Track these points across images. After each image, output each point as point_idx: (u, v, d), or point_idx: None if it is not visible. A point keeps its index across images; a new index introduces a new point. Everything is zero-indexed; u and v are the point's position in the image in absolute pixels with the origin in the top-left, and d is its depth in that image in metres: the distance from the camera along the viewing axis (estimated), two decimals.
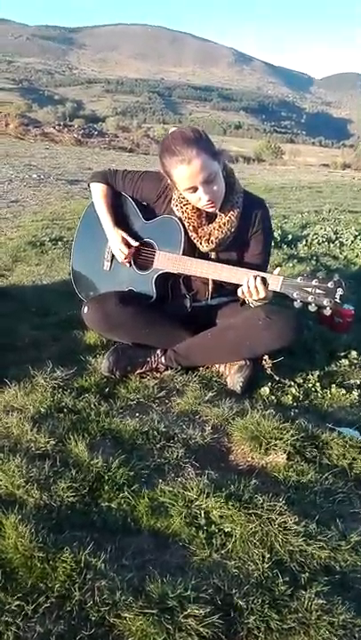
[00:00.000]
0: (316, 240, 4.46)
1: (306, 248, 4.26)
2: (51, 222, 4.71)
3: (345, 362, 2.18)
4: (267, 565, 1.19)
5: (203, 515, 1.32)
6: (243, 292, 1.85)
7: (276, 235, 4.40)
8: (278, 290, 1.79)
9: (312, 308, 1.73)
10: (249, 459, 1.60)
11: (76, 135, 23.06)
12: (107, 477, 1.42)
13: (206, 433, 1.67)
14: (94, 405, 1.75)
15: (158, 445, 1.58)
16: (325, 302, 1.70)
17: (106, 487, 1.39)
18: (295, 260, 3.77)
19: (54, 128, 24.00)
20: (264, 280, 1.81)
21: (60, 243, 3.95)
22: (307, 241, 4.43)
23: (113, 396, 1.84)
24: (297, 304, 1.74)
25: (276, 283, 1.79)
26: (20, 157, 10.28)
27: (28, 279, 3.12)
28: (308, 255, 4.02)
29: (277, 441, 1.61)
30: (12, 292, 2.88)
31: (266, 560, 1.20)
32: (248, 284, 1.81)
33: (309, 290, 1.73)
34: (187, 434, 1.65)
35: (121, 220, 2.18)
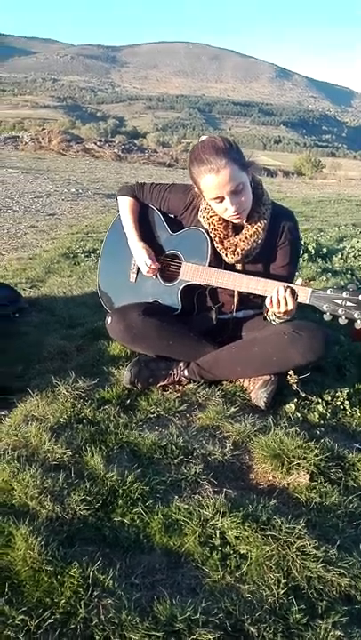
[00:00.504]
0: (353, 253, 4.35)
1: (341, 261, 4.16)
2: (85, 235, 4.78)
3: None
4: (282, 591, 1.13)
5: (218, 535, 1.27)
6: (271, 302, 1.80)
7: (310, 248, 4.32)
8: (307, 302, 1.74)
9: (342, 321, 1.67)
10: (270, 477, 1.55)
11: (116, 151, 23.50)
12: (121, 491, 1.39)
13: (227, 449, 1.62)
14: (114, 417, 1.73)
15: (176, 461, 1.55)
16: (356, 315, 1.64)
17: (120, 501, 1.37)
18: (329, 274, 3.69)
19: (95, 144, 24.53)
20: (293, 291, 1.76)
21: (92, 255, 4.00)
22: (342, 254, 4.33)
23: (133, 409, 1.82)
24: (326, 317, 1.69)
25: (304, 295, 1.75)
26: (61, 172, 10.55)
27: (59, 290, 3.16)
28: (343, 269, 3.92)
29: (301, 460, 1.55)
30: (42, 302, 2.92)
31: (281, 585, 1.15)
32: (278, 294, 1.77)
33: (339, 302, 1.68)
34: (206, 449, 1.61)
35: (148, 232, 2.18)
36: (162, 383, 1.96)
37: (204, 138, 1.93)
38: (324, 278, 3.56)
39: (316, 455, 1.56)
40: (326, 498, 1.44)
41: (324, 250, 4.39)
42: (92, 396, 1.86)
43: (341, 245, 4.73)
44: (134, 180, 2.64)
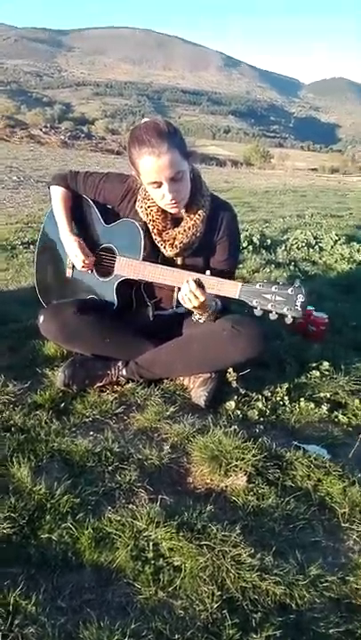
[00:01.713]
0: (296, 245, 4.38)
1: (285, 253, 4.18)
2: (25, 225, 4.59)
3: (316, 373, 2.09)
4: (216, 605, 1.09)
5: (151, 547, 1.21)
6: (182, 298, 1.74)
7: (255, 239, 4.32)
8: (237, 297, 1.69)
9: (273, 316, 1.63)
10: (208, 481, 1.50)
11: (62, 137, 22.90)
12: (49, 505, 1.31)
13: (164, 452, 1.57)
14: (45, 423, 1.64)
15: (110, 468, 1.48)
16: (285, 310, 1.60)
17: (47, 517, 1.28)
18: (273, 266, 3.69)
19: (41, 130, 23.80)
20: (200, 283, 1.70)
21: (32, 247, 3.83)
22: (286, 246, 4.35)
23: (67, 413, 1.73)
24: (257, 312, 1.64)
25: (234, 290, 1.69)
26: (2, 159, 10.13)
27: None
28: (287, 260, 3.94)
29: (238, 461, 1.51)
30: None
31: (215, 598, 1.10)
32: (183, 290, 1.70)
33: (269, 297, 1.63)
34: (143, 454, 1.55)
35: (82, 224, 2.08)
36: (99, 384, 1.88)
37: (146, 119, 1.84)
38: (268, 270, 3.56)
39: (254, 455, 1.53)
40: (263, 500, 1.41)
41: (269, 241, 4.40)
42: (23, 401, 1.75)
43: (286, 237, 4.76)
44: (79, 168, 2.50)
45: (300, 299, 1.59)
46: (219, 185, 10.09)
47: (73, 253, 2.00)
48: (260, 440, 1.61)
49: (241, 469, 1.49)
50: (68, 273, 2.15)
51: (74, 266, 2.08)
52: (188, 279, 1.69)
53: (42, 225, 2.30)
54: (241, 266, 3.65)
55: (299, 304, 1.59)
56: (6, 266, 3.37)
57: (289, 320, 1.61)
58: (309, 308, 2.54)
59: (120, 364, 1.91)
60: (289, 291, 1.60)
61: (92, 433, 1.63)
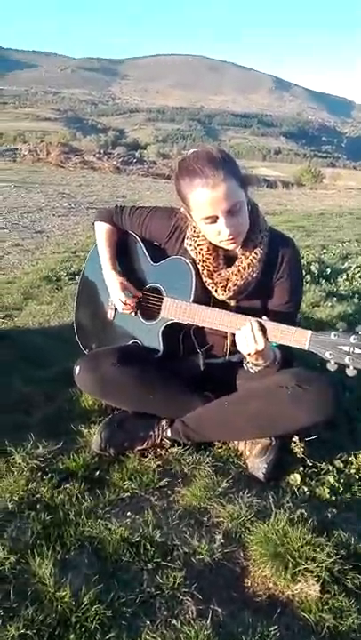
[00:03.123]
0: (359, 274, 4.03)
1: (347, 283, 3.84)
2: (72, 254, 4.47)
3: None
4: None
5: None
6: (239, 340, 1.48)
7: (313, 268, 4.01)
8: (306, 348, 1.41)
9: (351, 372, 1.34)
10: (270, 585, 1.21)
11: (115, 163, 23.32)
12: (74, 620, 1.06)
13: (216, 545, 1.29)
14: (76, 499, 1.39)
15: (150, 565, 1.21)
16: None
17: (71, 635, 1.03)
18: (334, 299, 3.36)
19: (94, 156, 24.37)
20: (263, 327, 1.43)
21: (77, 277, 3.68)
22: (348, 275, 4.01)
23: (103, 485, 1.48)
24: (331, 366, 1.35)
25: (302, 339, 1.41)
26: (56, 185, 10.28)
27: (35, 320, 2.84)
28: (350, 292, 3.60)
29: (309, 562, 1.21)
30: (12, 335, 2.60)
31: None
32: (248, 327, 1.45)
33: (346, 349, 1.34)
34: (190, 546, 1.28)
35: (128, 263, 1.88)
36: (140, 447, 1.63)
37: (195, 149, 1.61)
38: (330, 304, 3.24)
39: (329, 555, 1.22)
40: (343, 618, 1.11)
41: (328, 270, 4.07)
42: (54, 467, 1.52)
43: (346, 264, 4.42)
44: (132, 194, 2.29)
45: None
46: (271, 207, 9.81)
47: (114, 293, 1.79)
48: (335, 533, 1.31)
49: (312, 573, 1.19)
50: (110, 315, 1.94)
51: (116, 307, 1.87)
52: (251, 319, 1.44)
53: (85, 262, 2.12)
54: None
55: None
56: (50, 299, 3.22)
57: None
58: None
59: (164, 423, 1.66)
60: None
61: (129, 514, 1.37)
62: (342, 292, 3.58)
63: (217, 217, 1.50)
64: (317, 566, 1.20)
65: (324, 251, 5.20)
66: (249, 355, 1.48)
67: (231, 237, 1.53)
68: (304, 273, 3.87)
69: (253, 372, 1.59)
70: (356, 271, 4.10)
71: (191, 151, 1.59)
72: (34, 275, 3.70)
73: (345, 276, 3.98)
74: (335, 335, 1.36)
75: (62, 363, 2.21)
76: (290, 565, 1.21)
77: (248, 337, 1.44)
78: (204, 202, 1.48)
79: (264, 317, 1.47)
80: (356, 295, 3.51)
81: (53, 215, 6.54)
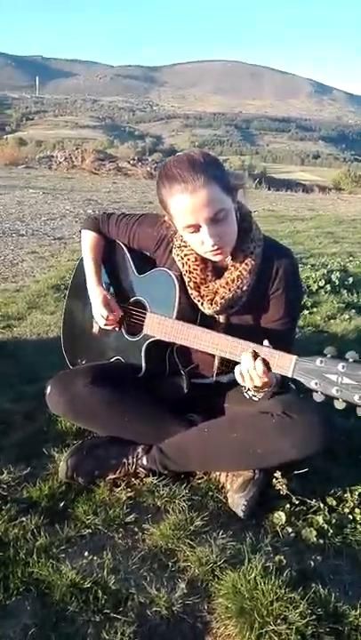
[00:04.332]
0: None
1: None
2: None
3: None
4: None
5: None
6: (240, 374, 1.34)
7: (334, 277, 3.79)
8: (290, 375, 1.25)
9: (339, 405, 1.17)
10: None
11: (148, 169, 23.40)
12: None
13: (177, 594, 1.15)
14: (31, 535, 1.28)
15: (98, 617, 1.08)
16: (357, 399, 1.14)
17: None
18: (353, 311, 3.15)
19: (128, 162, 24.53)
20: (266, 363, 1.28)
21: None
22: None
23: (64, 518, 1.36)
24: (317, 396, 1.19)
25: (287, 365, 1.26)
26: (84, 192, 10.30)
27: (34, 330, 2.76)
28: None
29: (278, 623, 1.05)
30: (9, 347, 2.52)
31: None
32: (245, 365, 1.30)
33: (333, 378, 1.18)
34: (147, 595, 1.14)
35: (113, 274, 1.78)
36: (112, 476, 1.51)
37: (178, 154, 1.49)
38: (347, 317, 3.03)
39: (302, 615, 1.06)
40: None
41: (351, 279, 3.84)
42: (16, 496, 1.42)
43: None
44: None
45: None
46: (301, 213, 9.53)
47: (95, 308, 1.69)
48: (313, 585, 1.14)
49: (280, 637, 1.04)
50: (95, 328, 1.83)
51: None
52: (247, 350, 1.30)
53: (73, 272, 2.03)
54: (315, 310, 3.16)
55: None
56: (54, 308, 3.13)
57: None
58: None
59: (140, 450, 1.53)
60: None
61: (87, 554, 1.25)
62: None
63: (199, 225, 1.36)
64: (288, 628, 1.05)
65: (351, 258, 4.95)
66: (253, 387, 1.34)
67: (216, 248, 1.39)
68: (324, 282, 3.70)
69: (256, 399, 1.45)
70: None
71: (174, 155, 1.48)
72: (43, 283, 3.63)
73: None
74: (321, 362, 1.20)
75: (50, 378, 2.11)
76: (256, 625, 1.06)
77: (251, 372, 1.30)
78: (184, 209, 1.35)
79: (265, 342, 1.32)
80: None
81: (76, 222, 6.50)
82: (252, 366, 1.28)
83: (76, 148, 25.47)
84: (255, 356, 1.29)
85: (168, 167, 1.39)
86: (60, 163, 22.04)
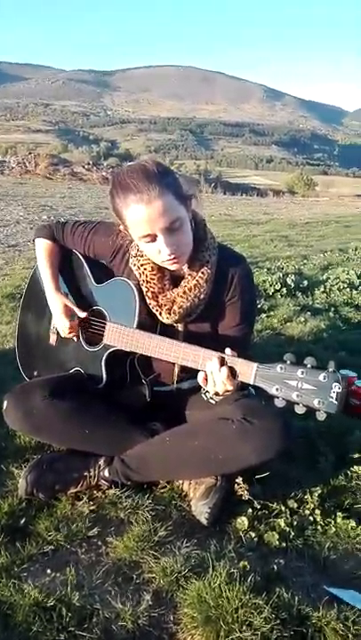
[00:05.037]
0: (337, 286, 3.91)
1: (324, 296, 3.72)
2: None
3: (359, 469, 1.62)
4: None
5: None
6: (205, 380, 1.35)
7: (289, 281, 3.88)
8: (252, 382, 1.28)
9: (299, 409, 1.20)
10: None
11: (104, 174, 23.24)
12: None
13: (143, 607, 1.14)
14: None
15: (63, 635, 1.06)
16: (316, 403, 1.17)
17: None
18: (308, 313, 3.23)
19: (83, 167, 24.31)
20: (233, 370, 1.30)
21: None
22: (325, 287, 3.88)
23: (26, 535, 1.33)
24: (279, 402, 1.22)
25: (248, 372, 1.28)
26: (38, 198, 10.15)
27: None
28: (326, 305, 3.47)
29: (243, 629, 1.06)
30: None
31: None
32: (212, 374, 1.32)
33: (293, 384, 1.20)
34: (112, 610, 1.13)
35: (71, 284, 1.75)
36: (73, 490, 1.48)
37: (130, 163, 1.49)
38: (303, 319, 3.10)
39: (267, 620, 1.08)
40: None
41: (306, 282, 3.95)
42: None
43: (325, 276, 4.30)
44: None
45: (336, 388, 1.17)
46: (256, 217, 9.72)
47: (57, 316, 1.66)
48: (277, 590, 1.16)
49: None
50: (52, 340, 1.79)
51: (58, 332, 1.73)
52: (210, 358, 1.32)
53: (27, 282, 1.98)
54: (272, 313, 3.22)
55: (334, 395, 1.17)
56: (10, 318, 3.06)
57: (322, 417, 1.18)
58: (351, 374, 2.07)
59: (102, 462, 1.51)
60: (321, 377, 1.17)
61: (49, 571, 1.22)
62: (318, 306, 3.45)
63: (155, 235, 1.37)
64: (253, 634, 1.06)
65: (305, 261, 5.08)
66: (216, 394, 1.35)
67: (173, 257, 1.40)
68: (280, 286, 3.77)
69: (214, 402, 1.46)
70: (335, 282, 3.97)
71: (126, 165, 1.47)
72: None
73: (322, 288, 3.85)
74: (281, 368, 1.22)
75: (5, 392, 2.06)
76: (222, 633, 1.06)
77: (222, 378, 1.30)
78: (140, 219, 1.35)
79: (228, 351, 1.34)
80: (333, 308, 3.39)
81: (31, 229, 6.39)
82: (218, 371, 1.29)
83: (29, 153, 25.06)
84: (222, 362, 1.30)
85: (122, 177, 1.38)
86: (12, 168, 21.60)
